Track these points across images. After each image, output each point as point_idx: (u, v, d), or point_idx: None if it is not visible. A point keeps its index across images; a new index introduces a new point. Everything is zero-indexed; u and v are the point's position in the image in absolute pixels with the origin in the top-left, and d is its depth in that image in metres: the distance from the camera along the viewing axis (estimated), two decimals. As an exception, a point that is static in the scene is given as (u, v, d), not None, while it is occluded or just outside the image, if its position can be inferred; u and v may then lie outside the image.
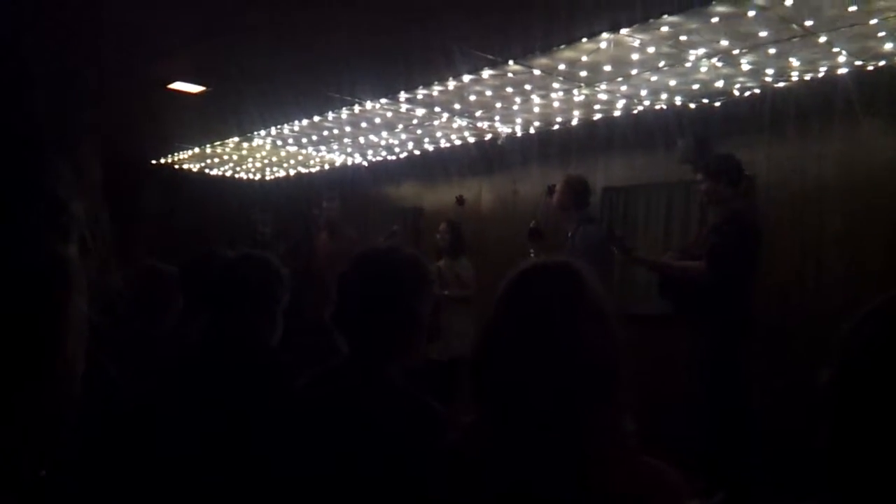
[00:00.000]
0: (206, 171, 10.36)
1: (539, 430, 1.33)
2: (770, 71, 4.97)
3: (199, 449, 1.91)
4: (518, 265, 1.53)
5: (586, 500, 1.30)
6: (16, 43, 0.55)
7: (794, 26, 4.24)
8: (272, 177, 10.46)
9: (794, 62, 4.79)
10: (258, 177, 10.56)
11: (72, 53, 5.27)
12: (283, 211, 9.65)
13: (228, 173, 10.47)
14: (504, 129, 7.05)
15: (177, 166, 10.14)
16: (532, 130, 6.90)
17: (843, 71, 4.80)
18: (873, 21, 4.08)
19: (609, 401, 1.36)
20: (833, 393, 1.09)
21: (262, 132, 7.88)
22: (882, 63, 4.66)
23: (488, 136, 7.34)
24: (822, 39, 4.35)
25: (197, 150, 9.14)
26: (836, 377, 1.09)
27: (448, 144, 7.76)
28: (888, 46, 4.42)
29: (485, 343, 1.47)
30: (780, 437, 4.63)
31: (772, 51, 4.60)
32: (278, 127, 7.58)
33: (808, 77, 5.00)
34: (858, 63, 4.69)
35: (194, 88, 6.32)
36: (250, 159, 9.59)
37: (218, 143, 8.69)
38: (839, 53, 4.58)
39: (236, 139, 8.39)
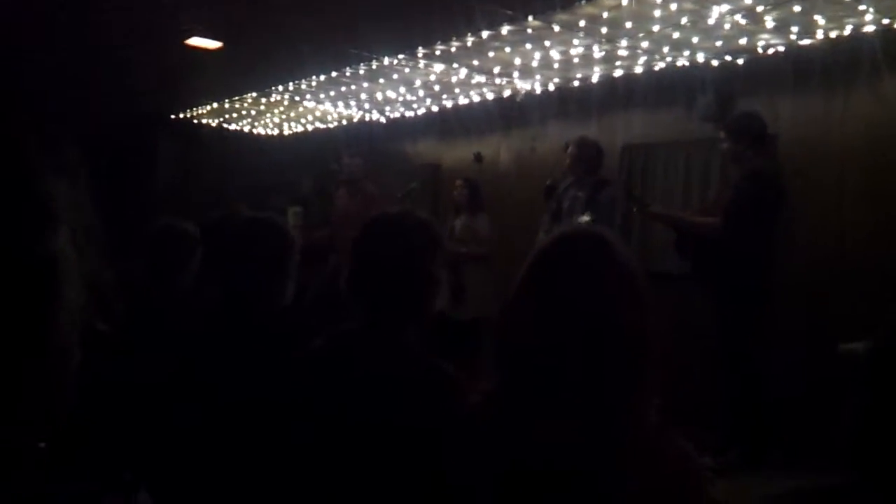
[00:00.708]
0: (224, 125, 10.37)
1: (562, 401, 1.31)
2: (795, 28, 4.87)
3: (217, 411, 1.95)
4: (551, 233, 1.50)
5: (606, 475, 1.28)
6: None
7: (821, -18, 4.14)
8: (290, 132, 10.44)
9: (820, 19, 4.68)
10: (276, 132, 10.55)
11: (89, 9, 5.26)
12: (302, 166, 9.66)
13: (246, 128, 10.47)
14: (523, 86, 6.97)
15: (195, 121, 10.15)
16: (551, 87, 6.81)
17: (869, 29, 4.68)
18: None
19: (638, 374, 1.33)
20: (868, 369, 1.07)
21: (280, 87, 7.85)
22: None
23: (507, 93, 7.26)
24: (850, -4, 4.25)
25: (215, 105, 9.14)
26: (875, 352, 1.08)
27: (466, 101, 7.69)
28: (917, 3, 4.32)
29: (511, 310, 1.45)
30: (796, 398, 4.65)
31: (797, 8, 4.49)
32: (296, 82, 7.55)
33: (833, 35, 4.89)
34: (885, 21, 4.58)
35: (212, 44, 6.30)
36: (268, 115, 9.57)
37: (236, 98, 8.68)
38: (866, 11, 4.47)
39: (254, 94, 8.36)
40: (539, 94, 6.99)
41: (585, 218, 4.84)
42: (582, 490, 1.29)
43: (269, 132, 10.57)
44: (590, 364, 1.30)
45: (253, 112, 9.45)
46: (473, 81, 7.00)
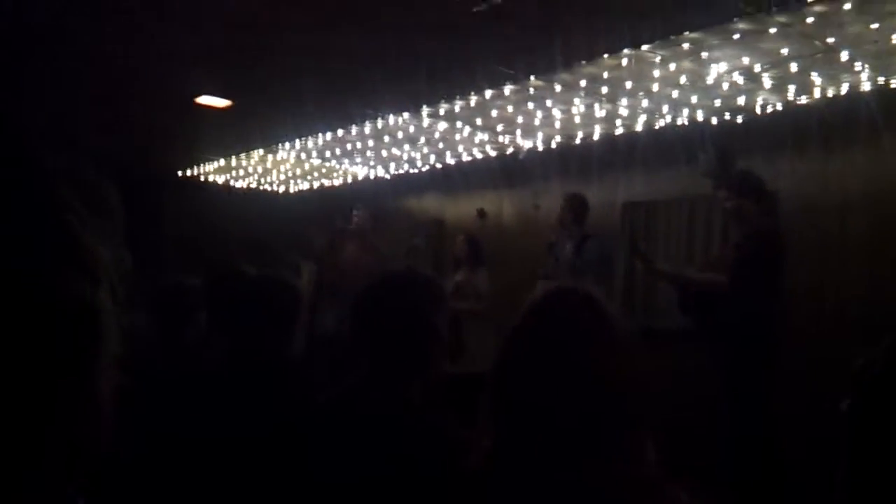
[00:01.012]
0: (231, 182, 10.48)
1: (556, 457, 1.33)
2: (792, 87, 4.96)
3: (221, 466, 1.95)
4: (539, 291, 1.54)
5: None
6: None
7: (817, 42, 4.23)
8: (296, 189, 10.56)
9: (816, 78, 4.77)
10: (282, 189, 10.66)
11: (100, 69, 5.39)
12: (309, 222, 9.72)
13: (253, 185, 10.58)
14: (525, 144, 7.08)
15: (202, 178, 10.27)
16: (553, 145, 6.91)
17: (865, 87, 4.78)
18: (895, 38, 4.07)
19: (631, 429, 1.37)
20: (852, 424, 1.09)
21: (286, 145, 7.97)
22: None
23: (510, 151, 7.36)
24: (844, 56, 4.34)
25: (222, 162, 9.26)
26: (855, 409, 1.10)
27: (469, 158, 7.79)
28: (911, 63, 4.41)
29: (503, 367, 1.47)
30: (804, 459, 4.59)
31: (794, 67, 4.59)
32: (302, 139, 7.67)
33: (830, 93, 4.98)
34: (881, 80, 4.67)
35: (220, 102, 6.42)
36: (274, 171, 9.69)
37: (243, 154, 8.80)
38: (861, 70, 4.56)
39: (261, 152, 8.49)
40: (541, 152, 7.09)
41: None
42: None
43: (276, 189, 10.69)
44: (581, 413, 1.34)
45: (259, 169, 9.57)
46: (476, 139, 7.11)
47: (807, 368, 4.92)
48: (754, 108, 5.36)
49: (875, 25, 3.92)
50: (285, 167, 9.32)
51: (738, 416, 4.49)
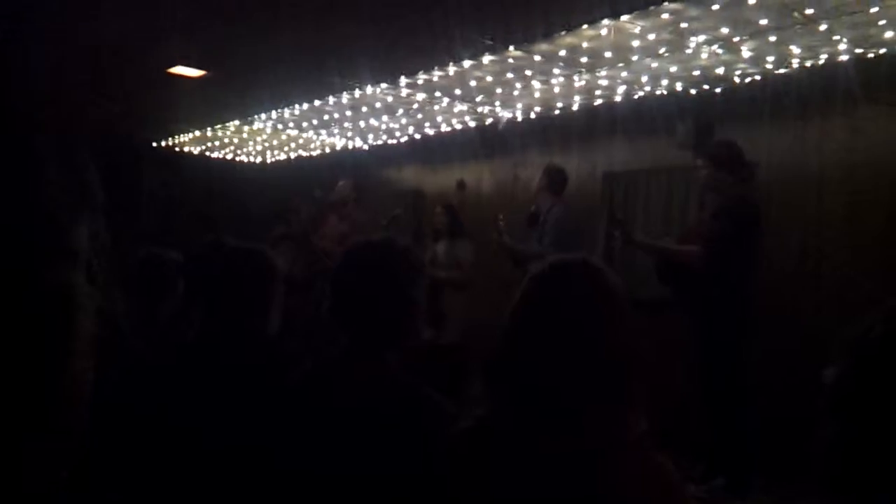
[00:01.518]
0: (207, 153, 10.37)
1: (555, 428, 1.36)
2: (770, 58, 4.96)
3: (198, 443, 1.94)
4: (543, 262, 1.54)
5: (594, 500, 1.33)
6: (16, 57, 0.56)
7: (795, 14, 4.23)
8: (273, 160, 10.46)
9: (795, 49, 4.78)
10: (258, 160, 10.56)
11: (71, 39, 5.28)
12: (286, 195, 9.65)
13: (229, 156, 10.47)
14: (505, 114, 7.05)
15: (178, 148, 10.15)
16: (533, 115, 6.89)
17: (843, 58, 4.79)
18: (873, 9, 4.07)
19: (626, 400, 1.39)
20: (838, 394, 1.10)
21: (263, 116, 7.88)
22: (882, 51, 4.65)
23: (489, 121, 7.33)
24: (823, 27, 4.34)
25: (198, 132, 9.15)
26: (843, 379, 1.10)
27: (449, 129, 7.75)
28: (888, 34, 4.41)
29: (505, 338, 1.48)
30: (779, 425, 4.67)
31: (772, 38, 4.59)
32: (279, 110, 7.58)
33: (808, 64, 4.99)
34: (859, 50, 4.68)
35: (195, 72, 6.32)
36: (251, 142, 9.59)
37: (219, 126, 8.70)
38: (840, 41, 4.57)
39: (237, 122, 8.39)
40: (521, 123, 7.07)
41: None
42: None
43: (253, 160, 10.58)
44: (584, 384, 1.36)
45: (236, 140, 9.46)
46: (456, 110, 7.06)
47: (785, 339, 4.98)
48: (733, 78, 5.36)
49: (853, -4, 3.92)
50: (262, 138, 9.22)
51: (714, 385, 4.56)
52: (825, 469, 1.10)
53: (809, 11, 4.15)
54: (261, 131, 8.77)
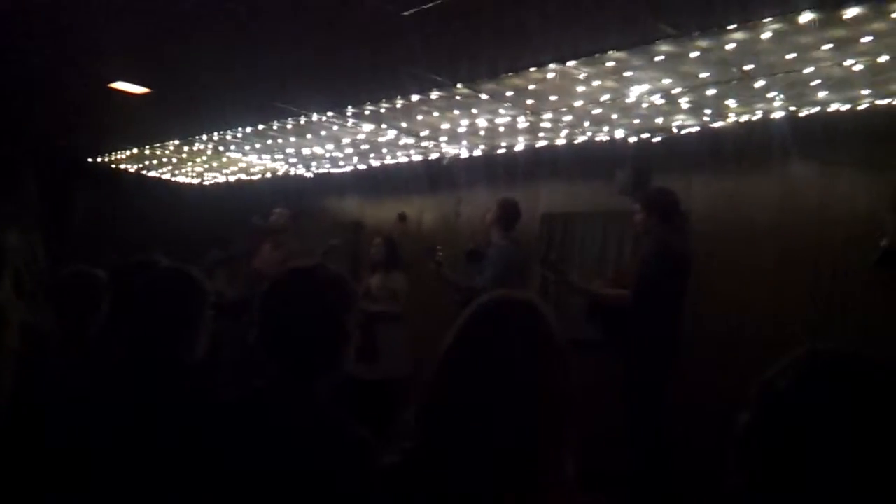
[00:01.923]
0: (144, 171, 10.14)
1: (485, 467, 1.34)
2: (708, 110, 5.12)
3: (117, 465, 1.86)
4: (483, 297, 1.53)
5: None
6: None
7: (734, 69, 4.38)
8: (211, 182, 10.29)
9: (732, 104, 4.94)
10: (197, 181, 10.37)
11: (10, 49, 5.13)
12: (223, 218, 9.49)
13: (167, 176, 10.26)
14: (450, 150, 7.09)
15: (113, 165, 9.90)
16: (477, 153, 6.95)
17: (778, 115, 4.97)
18: (808, 69, 4.24)
19: (558, 440, 1.39)
20: (745, 442, 1.12)
21: (204, 136, 7.75)
22: (815, 110, 4.84)
23: (434, 156, 7.37)
24: (760, 83, 4.51)
25: (135, 150, 8.95)
26: (749, 429, 1.13)
27: (393, 161, 7.76)
28: (821, 94, 4.61)
29: (439, 375, 1.47)
30: (704, 463, 4.73)
31: (710, 92, 4.74)
32: (220, 132, 7.47)
33: (744, 119, 5.16)
34: (792, 108, 4.87)
35: (136, 89, 6.20)
36: (190, 163, 9.42)
37: (157, 144, 8.52)
38: (774, 98, 4.75)
39: (177, 142, 8.24)
40: (465, 159, 7.12)
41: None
42: None
43: (191, 181, 10.40)
44: (516, 423, 1.35)
45: (175, 160, 9.29)
46: (401, 143, 7.08)
47: (711, 383, 5.08)
48: (672, 128, 5.51)
49: (790, 56, 4.08)
50: (202, 159, 9.07)
51: (638, 426, 4.63)
52: None
53: (748, 67, 4.31)
54: (201, 152, 8.63)
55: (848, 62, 4.10)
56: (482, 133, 6.35)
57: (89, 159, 9.64)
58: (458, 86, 5.18)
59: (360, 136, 7.00)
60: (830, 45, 3.93)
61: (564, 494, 1.37)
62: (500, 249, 5.59)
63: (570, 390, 1.42)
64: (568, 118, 5.66)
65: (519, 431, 1.35)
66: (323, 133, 6.99)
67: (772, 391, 1.13)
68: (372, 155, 7.72)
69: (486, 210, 5.98)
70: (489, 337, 1.45)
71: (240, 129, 7.21)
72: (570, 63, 4.53)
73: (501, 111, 5.68)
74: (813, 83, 4.44)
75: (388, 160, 7.76)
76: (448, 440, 1.40)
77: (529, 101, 5.36)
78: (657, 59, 4.31)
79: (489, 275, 5.40)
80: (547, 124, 5.87)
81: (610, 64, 4.48)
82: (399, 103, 5.73)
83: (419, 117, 6.07)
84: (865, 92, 4.53)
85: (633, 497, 4.63)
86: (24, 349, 0.50)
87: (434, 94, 5.42)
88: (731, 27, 3.82)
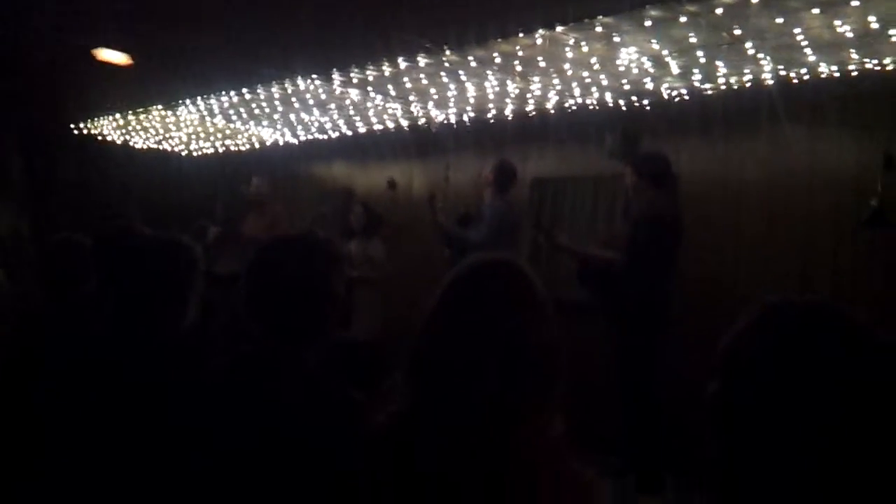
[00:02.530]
0: (129, 141, 10.03)
1: (473, 422, 1.36)
2: (698, 75, 5.10)
3: (106, 434, 1.87)
4: (467, 260, 1.54)
5: (509, 497, 1.34)
6: None
7: (724, 33, 4.35)
8: (199, 150, 10.20)
9: (721, 67, 4.92)
10: (184, 150, 10.28)
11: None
12: (212, 185, 9.43)
13: (153, 145, 10.15)
14: (438, 116, 7.04)
15: (98, 135, 9.78)
16: (466, 119, 6.91)
17: (767, 78, 4.95)
18: (798, 33, 4.22)
19: (545, 400, 1.41)
20: (718, 405, 1.13)
21: (189, 104, 7.66)
22: (804, 73, 4.82)
23: (422, 122, 7.32)
24: (749, 47, 4.48)
25: (120, 118, 8.84)
26: (718, 394, 1.13)
27: (381, 127, 7.71)
28: (810, 58, 4.59)
29: (427, 334, 1.48)
30: (692, 427, 4.79)
31: (700, 55, 4.71)
32: (206, 99, 7.38)
33: (733, 82, 5.14)
34: (782, 71, 4.85)
35: (120, 56, 6.11)
36: (176, 131, 9.32)
37: (142, 111, 8.41)
38: (764, 62, 4.72)
39: (161, 108, 8.13)
40: (454, 125, 7.08)
41: None
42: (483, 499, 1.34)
43: (177, 150, 10.30)
44: (503, 380, 1.37)
45: (160, 128, 9.19)
46: (389, 109, 7.03)
47: (700, 348, 5.11)
48: (661, 92, 5.49)
49: (779, 20, 4.05)
50: (188, 127, 8.97)
51: (627, 384, 4.69)
52: (710, 479, 1.13)
53: (737, 32, 4.28)
54: (187, 120, 8.53)
55: (837, 24, 4.07)
56: (471, 99, 6.30)
57: (73, 129, 9.51)
58: (446, 51, 5.12)
59: (348, 102, 6.93)
60: (819, 9, 3.90)
61: (555, 453, 1.39)
62: (496, 208, 5.61)
63: (555, 346, 1.44)
64: (557, 83, 5.62)
65: (506, 386, 1.36)
66: (309, 99, 6.92)
67: (734, 356, 1.14)
68: (359, 121, 7.65)
69: (482, 170, 6.00)
70: (472, 295, 1.47)
71: (225, 95, 7.12)
72: (559, 28, 4.49)
73: (490, 76, 5.63)
74: (802, 46, 4.42)
75: (377, 127, 7.70)
76: (437, 397, 1.41)
77: (518, 67, 5.31)
78: (646, 23, 4.27)
79: (484, 230, 5.45)
80: (536, 90, 5.83)
81: (598, 29, 4.44)
82: (386, 69, 5.67)
83: (407, 83, 6.01)
84: (854, 55, 4.52)
85: (624, 458, 4.70)
86: (12, 322, 0.49)
87: (422, 60, 5.36)
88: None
